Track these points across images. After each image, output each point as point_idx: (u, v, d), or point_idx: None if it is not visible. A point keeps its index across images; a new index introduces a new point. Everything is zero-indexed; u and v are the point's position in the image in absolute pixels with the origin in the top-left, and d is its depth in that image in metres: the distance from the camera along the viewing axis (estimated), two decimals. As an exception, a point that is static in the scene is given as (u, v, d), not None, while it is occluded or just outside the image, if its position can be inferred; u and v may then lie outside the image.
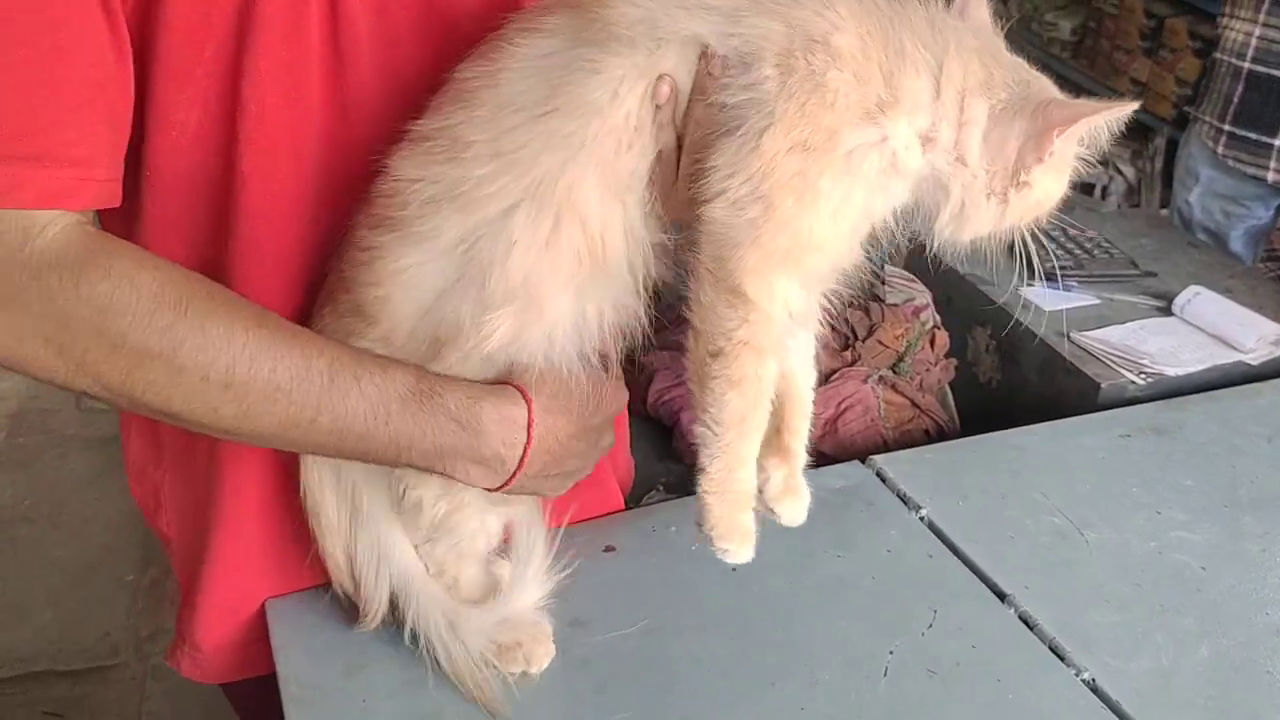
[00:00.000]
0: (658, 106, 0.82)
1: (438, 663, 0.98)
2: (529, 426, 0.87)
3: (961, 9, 0.86)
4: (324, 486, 0.96)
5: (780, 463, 0.93)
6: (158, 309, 0.77)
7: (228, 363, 0.79)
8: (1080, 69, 3.87)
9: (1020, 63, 0.85)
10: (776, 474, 0.92)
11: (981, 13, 0.87)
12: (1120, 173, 3.65)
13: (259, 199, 0.88)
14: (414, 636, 0.99)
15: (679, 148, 0.83)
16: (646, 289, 0.88)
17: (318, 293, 0.93)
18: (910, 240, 0.89)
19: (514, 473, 0.88)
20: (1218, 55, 2.09)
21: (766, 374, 0.85)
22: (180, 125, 0.85)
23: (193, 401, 0.80)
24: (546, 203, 0.82)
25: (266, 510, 1.02)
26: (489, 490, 0.90)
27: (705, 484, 0.87)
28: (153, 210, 0.89)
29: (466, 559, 1.00)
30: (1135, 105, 0.83)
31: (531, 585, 1.01)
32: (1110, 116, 0.83)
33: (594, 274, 0.85)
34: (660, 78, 0.81)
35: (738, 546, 0.88)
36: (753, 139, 0.79)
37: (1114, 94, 3.84)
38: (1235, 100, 2.04)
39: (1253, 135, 2.03)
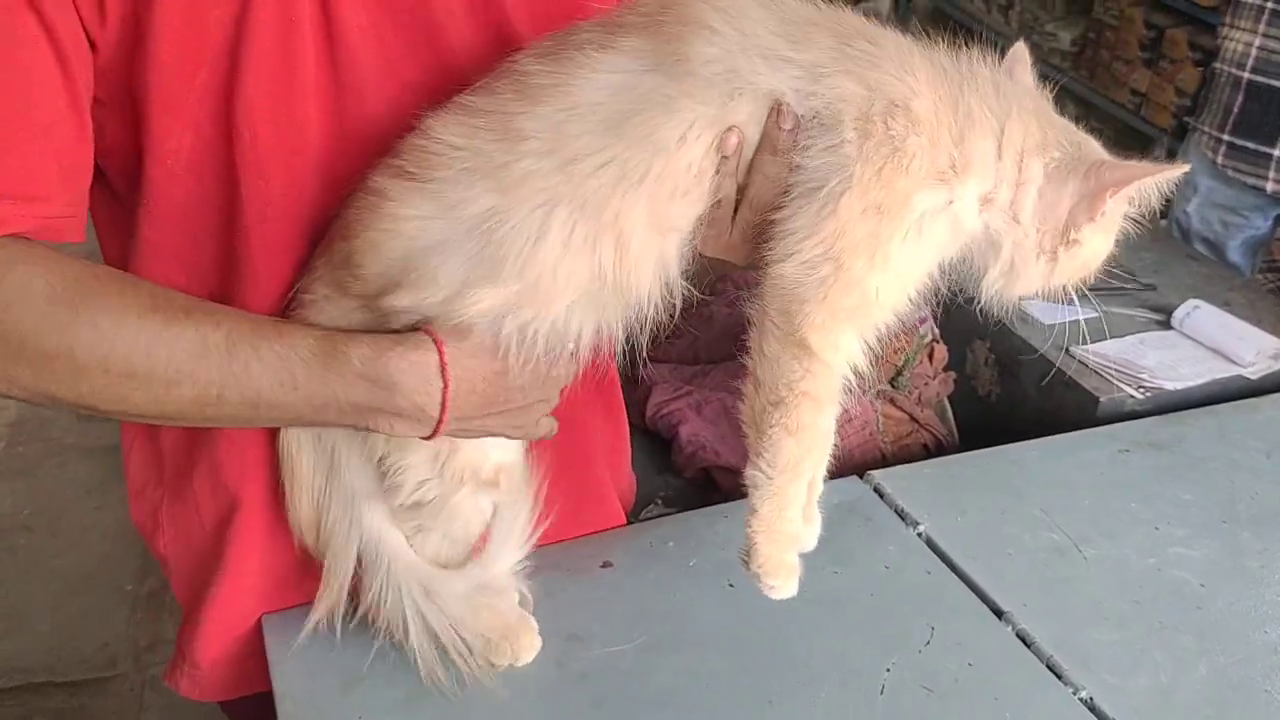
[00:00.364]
0: (724, 157, 0.83)
1: (406, 635, 0.97)
2: (443, 370, 0.85)
3: (1009, 70, 0.88)
4: (301, 444, 0.96)
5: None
6: (51, 309, 0.78)
7: (125, 353, 0.79)
8: (1080, 79, 3.87)
9: (1069, 124, 0.88)
10: None
11: (1026, 76, 0.89)
12: (1120, 183, 3.65)
13: (257, 225, 0.88)
14: (387, 624, 0.99)
15: (738, 198, 0.85)
16: (646, 318, 0.88)
17: None
18: (955, 292, 0.91)
19: (439, 419, 0.86)
20: (1218, 65, 2.09)
21: (824, 423, 0.88)
22: (175, 152, 0.85)
23: (101, 395, 0.81)
24: (592, 216, 0.83)
25: (267, 528, 1.02)
26: (424, 439, 0.89)
27: (755, 524, 0.90)
28: (153, 238, 0.89)
29: (459, 545, 1.00)
30: (1186, 168, 0.86)
31: (511, 548, 1.01)
32: (1162, 178, 0.85)
33: (606, 293, 0.85)
34: (729, 129, 0.82)
35: (784, 583, 0.91)
36: (831, 202, 0.81)
37: (1113, 104, 3.85)
38: (1235, 110, 2.04)
39: (1252, 145, 2.03)
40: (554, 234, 0.82)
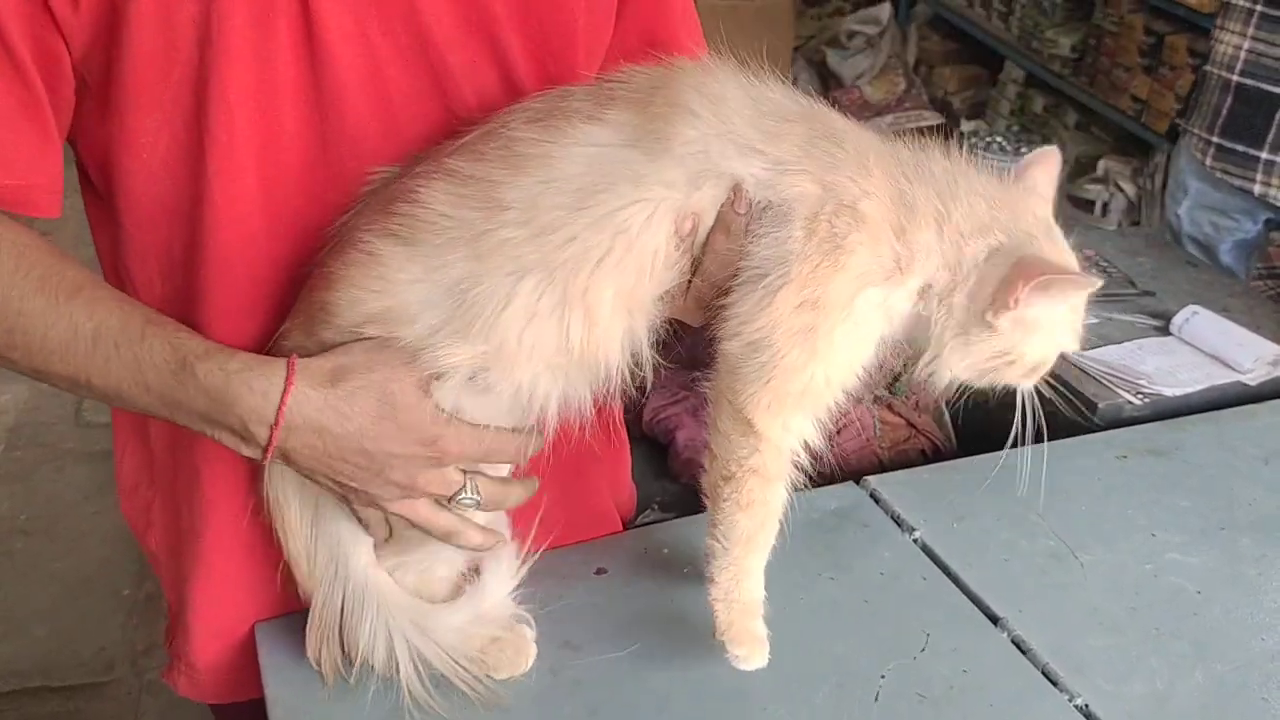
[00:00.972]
0: (681, 239, 0.85)
1: (397, 670, 0.96)
2: (280, 404, 0.83)
3: (1024, 170, 0.91)
4: (288, 493, 0.96)
5: None
6: None
7: (7, 327, 0.83)
8: (1080, 86, 3.87)
9: (1050, 227, 0.89)
10: None
11: (1043, 180, 0.91)
12: (1121, 189, 3.65)
13: (230, 227, 0.88)
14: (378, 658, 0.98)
15: (692, 270, 0.87)
16: (613, 390, 0.90)
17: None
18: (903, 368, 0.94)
19: (266, 448, 0.85)
20: (1208, 68, 2.09)
21: (774, 499, 0.91)
22: (150, 148, 0.85)
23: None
24: (560, 287, 0.84)
25: (253, 533, 1.01)
26: (251, 460, 0.88)
27: (714, 593, 0.94)
28: (131, 232, 0.90)
29: (443, 582, 1.00)
30: (1100, 283, 0.87)
31: (502, 578, 1.01)
32: (1074, 285, 0.86)
33: (573, 365, 0.87)
34: (689, 216, 0.84)
35: (748, 652, 0.94)
36: (770, 294, 0.84)
37: (1114, 111, 3.84)
38: (1224, 112, 2.04)
39: (1240, 148, 2.03)
40: (520, 300, 0.84)
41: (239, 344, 0.89)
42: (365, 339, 0.87)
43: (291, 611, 1.06)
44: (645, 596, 1.10)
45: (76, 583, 2.52)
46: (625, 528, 1.23)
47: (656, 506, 1.47)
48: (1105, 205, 3.70)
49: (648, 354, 0.88)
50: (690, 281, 0.87)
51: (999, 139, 3.93)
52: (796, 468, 0.92)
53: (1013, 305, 0.84)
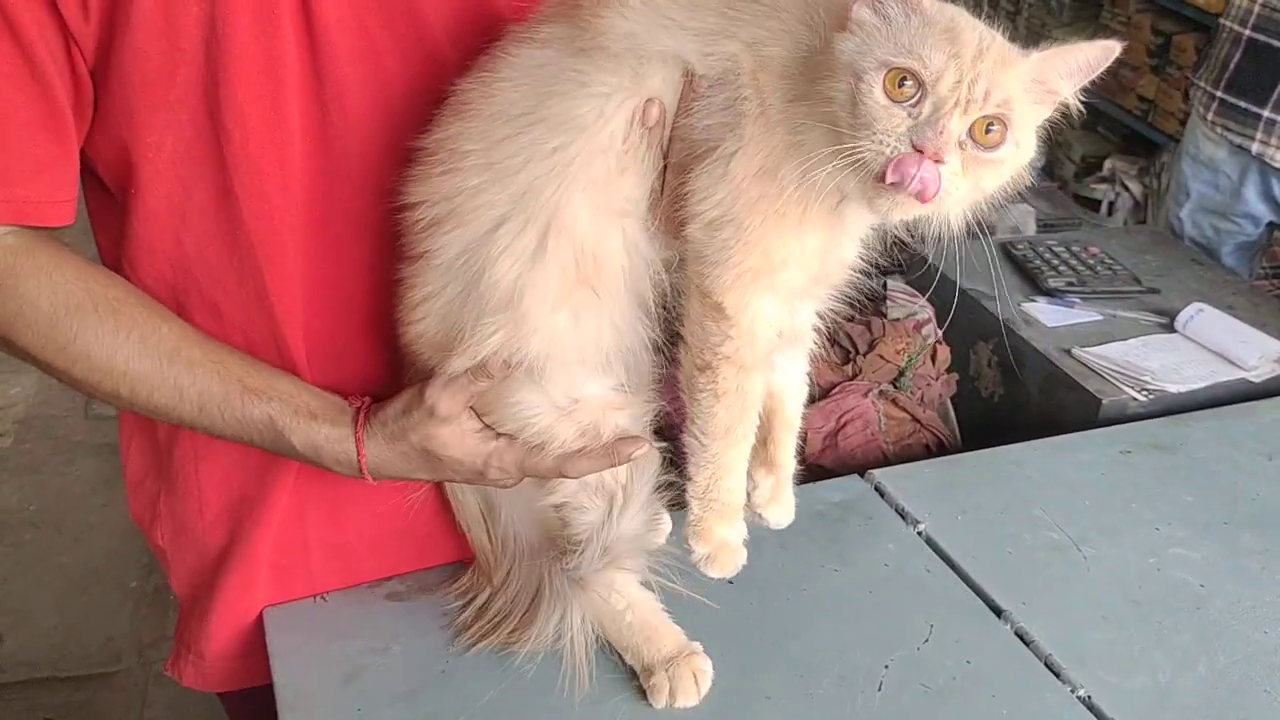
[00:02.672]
0: (648, 129, 0.83)
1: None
2: (360, 465, 0.94)
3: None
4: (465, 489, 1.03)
5: (768, 473, 0.95)
6: (53, 332, 0.88)
7: (113, 387, 0.90)
8: (1087, 86, 3.87)
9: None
10: (765, 483, 0.95)
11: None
12: (1127, 189, 3.65)
13: (252, 220, 0.89)
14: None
15: (665, 166, 0.84)
16: (659, 307, 0.88)
17: (312, 297, 0.95)
18: (904, 245, 0.89)
19: (370, 479, 0.95)
20: (1222, 20, 2.07)
21: (751, 388, 0.87)
22: (156, 147, 0.86)
23: (98, 393, 0.92)
24: (533, 218, 0.83)
25: (278, 522, 1.03)
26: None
27: (692, 491, 0.90)
28: (141, 233, 0.91)
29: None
30: None
31: (633, 516, 0.97)
32: None
33: (588, 294, 0.85)
34: (649, 101, 0.82)
35: (713, 554, 0.90)
36: (723, 163, 0.80)
37: (1121, 111, 3.82)
38: (1231, 67, 2.01)
39: (1243, 104, 2.00)
40: (507, 247, 0.84)
41: (269, 325, 0.94)
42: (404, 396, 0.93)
43: (298, 598, 1.08)
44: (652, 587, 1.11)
45: (85, 574, 2.53)
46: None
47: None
48: (1111, 205, 3.70)
49: (658, 261, 0.86)
50: (664, 180, 0.85)
51: (1006, 138, 3.92)
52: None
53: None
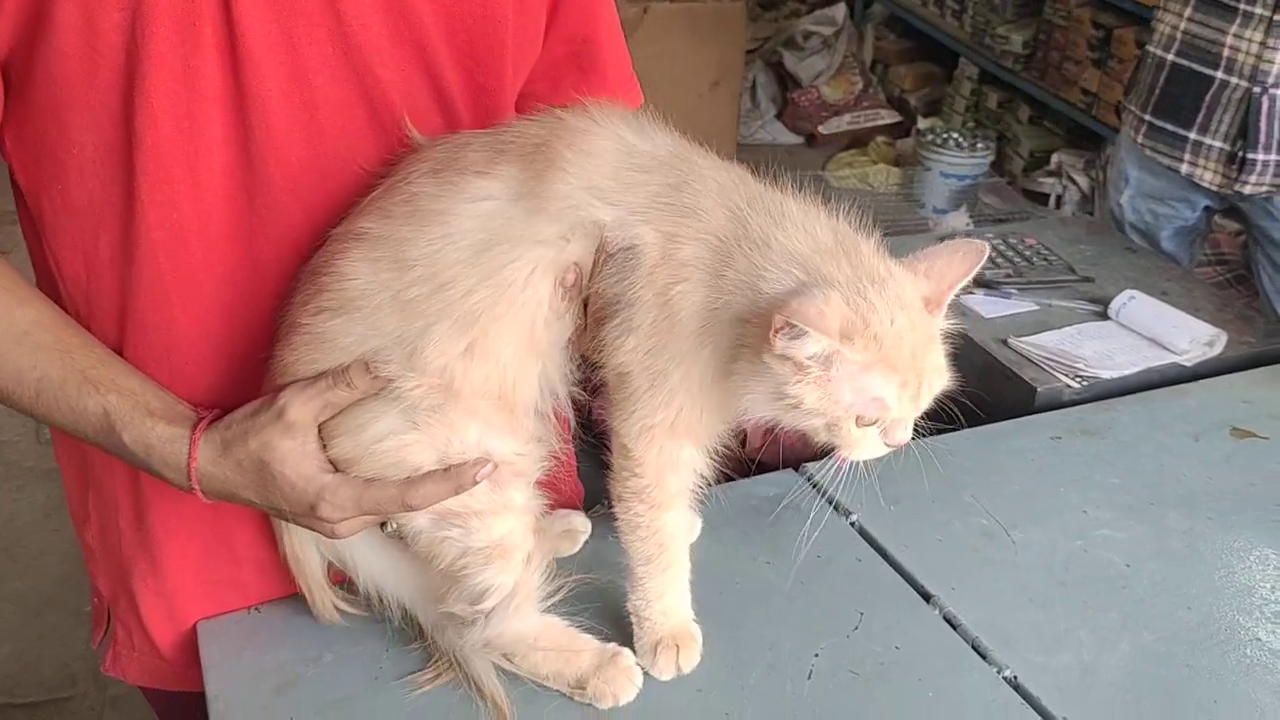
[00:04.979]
0: (566, 289, 0.89)
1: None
2: (189, 474, 0.91)
3: (928, 256, 0.88)
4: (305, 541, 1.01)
5: None
6: None
7: None
8: (1032, 80, 3.93)
9: (875, 276, 0.83)
10: None
11: (941, 264, 0.87)
12: (1074, 182, 3.70)
13: (159, 228, 0.90)
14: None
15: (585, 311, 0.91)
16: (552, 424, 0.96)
17: (224, 316, 0.95)
18: None
19: (199, 493, 0.92)
20: (1148, 47, 2.13)
21: (662, 525, 0.95)
22: (79, 146, 0.87)
23: None
24: (466, 337, 0.88)
25: (185, 532, 1.04)
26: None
27: (630, 605, 1.00)
28: (58, 228, 0.91)
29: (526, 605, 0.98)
30: (834, 343, 0.81)
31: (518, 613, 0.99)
32: (813, 337, 0.79)
33: (505, 408, 0.91)
34: (569, 269, 0.88)
35: (662, 669, 1.00)
36: (625, 333, 0.87)
37: (1066, 104, 3.89)
38: (1157, 91, 2.08)
39: (1169, 127, 2.06)
40: (438, 347, 0.88)
41: (167, 340, 0.94)
42: (254, 402, 0.92)
43: (232, 610, 1.08)
44: (588, 587, 1.11)
45: (38, 601, 2.51)
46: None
47: (606, 503, 1.48)
48: (1059, 198, 3.75)
49: (564, 394, 0.94)
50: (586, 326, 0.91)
51: (955, 135, 3.97)
52: (694, 494, 0.96)
53: (771, 342, 0.80)
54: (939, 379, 0.87)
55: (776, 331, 0.79)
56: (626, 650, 1.00)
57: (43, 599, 2.51)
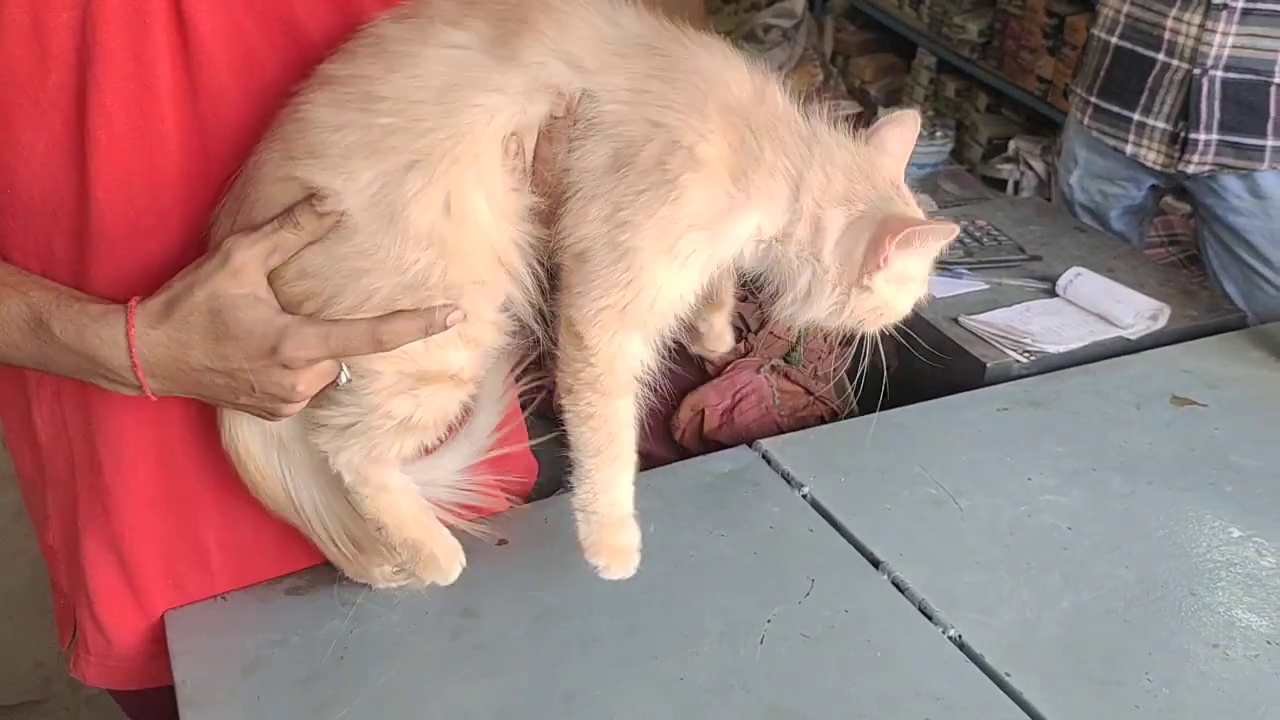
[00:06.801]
0: (509, 156, 0.88)
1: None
2: (129, 350, 0.86)
3: (873, 133, 0.94)
4: (249, 447, 0.99)
5: (716, 312, 1.04)
6: None
7: None
8: (989, 69, 3.97)
9: (899, 187, 0.92)
10: (716, 320, 1.05)
11: (894, 141, 0.94)
12: (1031, 168, 3.75)
13: (116, 227, 0.90)
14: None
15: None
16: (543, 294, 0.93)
17: None
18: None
19: (141, 387, 0.87)
20: (1093, 30, 2.18)
21: (614, 413, 0.94)
22: (29, 147, 0.87)
23: None
24: (439, 183, 0.86)
25: (145, 524, 1.05)
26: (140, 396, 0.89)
27: (575, 502, 0.97)
28: (9, 226, 0.92)
29: (383, 462, 0.98)
30: (956, 229, 0.91)
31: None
32: (933, 234, 0.90)
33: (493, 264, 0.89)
34: (510, 138, 0.87)
35: (608, 563, 0.98)
36: (585, 205, 0.87)
37: (1022, 92, 3.92)
38: (1101, 74, 2.12)
39: (1114, 108, 2.11)
40: (415, 195, 0.86)
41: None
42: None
43: (199, 600, 1.10)
44: (545, 564, 1.14)
45: (10, 603, 2.51)
46: (528, 500, 1.27)
47: (569, 486, 1.51)
48: (1017, 184, 3.80)
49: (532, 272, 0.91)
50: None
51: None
52: (640, 383, 0.94)
53: (882, 264, 0.89)
54: None
55: (891, 244, 0.87)
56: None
57: (15, 601, 2.51)
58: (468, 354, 0.93)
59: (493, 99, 0.87)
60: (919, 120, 0.97)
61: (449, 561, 1.03)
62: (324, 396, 0.93)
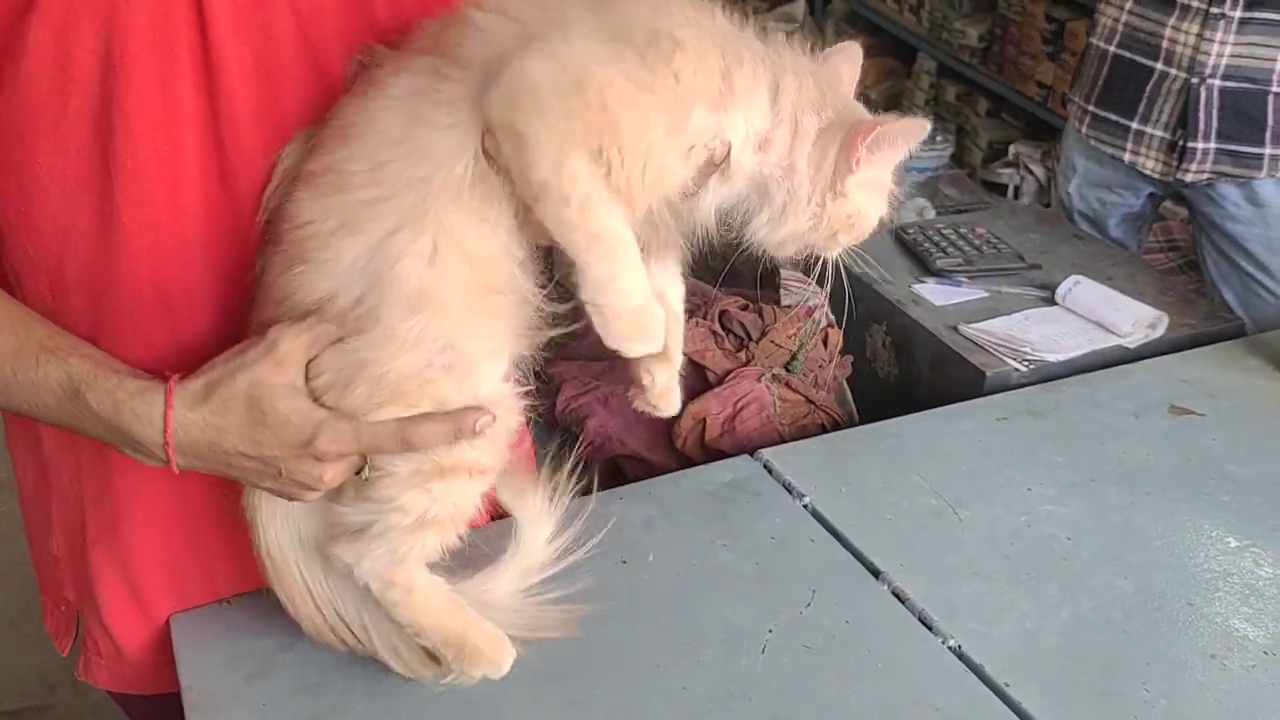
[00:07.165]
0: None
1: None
2: (165, 430, 0.86)
3: (827, 58, 0.94)
4: (284, 551, 0.98)
5: (662, 366, 1.00)
6: None
7: None
8: (989, 74, 3.99)
9: (852, 101, 0.93)
10: (660, 375, 1.00)
11: (842, 67, 0.94)
12: (1031, 172, 3.76)
13: (139, 250, 0.91)
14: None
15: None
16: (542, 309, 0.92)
17: (203, 335, 0.95)
18: (728, 242, 0.96)
19: (170, 461, 0.88)
20: (1091, 39, 2.19)
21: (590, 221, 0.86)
22: (47, 169, 0.88)
23: None
24: (426, 231, 0.86)
25: (166, 521, 1.06)
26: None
27: (582, 295, 0.89)
28: (18, 246, 0.92)
29: (408, 563, 0.96)
30: (927, 125, 0.90)
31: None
32: (905, 129, 0.90)
33: (496, 296, 0.89)
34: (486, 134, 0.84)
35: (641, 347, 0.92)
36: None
37: (1022, 98, 3.94)
38: (1099, 83, 2.14)
39: (1112, 117, 2.13)
40: (404, 253, 0.85)
41: (147, 357, 0.92)
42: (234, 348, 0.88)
43: (204, 604, 1.11)
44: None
45: (14, 611, 2.51)
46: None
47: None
48: (1017, 189, 3.81)
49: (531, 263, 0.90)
50: None
51: (915, 129, 4.02)
52: None
53: (855, 167, 0.88)
54: None
55: (863, 144, 0.87)
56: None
57: (19, 609, 2.52)
58: (483, 443, 0.91)
59: (449, 122, 0.85)
60: (860, 52, 0.96)
61: (495, 652, 0.98)
62: (341, 489, 0.93)
